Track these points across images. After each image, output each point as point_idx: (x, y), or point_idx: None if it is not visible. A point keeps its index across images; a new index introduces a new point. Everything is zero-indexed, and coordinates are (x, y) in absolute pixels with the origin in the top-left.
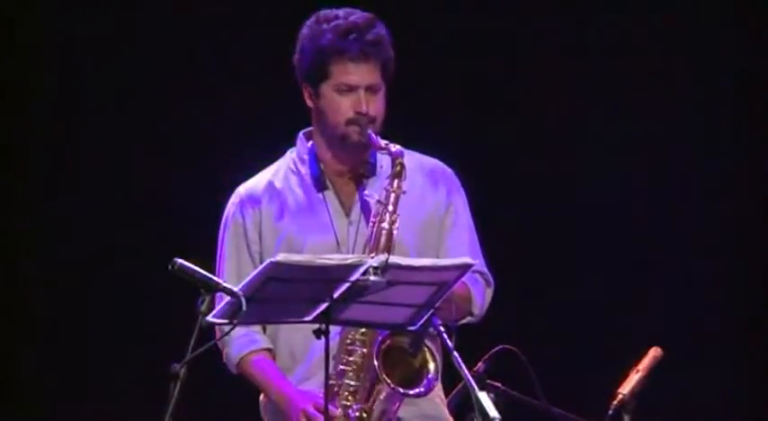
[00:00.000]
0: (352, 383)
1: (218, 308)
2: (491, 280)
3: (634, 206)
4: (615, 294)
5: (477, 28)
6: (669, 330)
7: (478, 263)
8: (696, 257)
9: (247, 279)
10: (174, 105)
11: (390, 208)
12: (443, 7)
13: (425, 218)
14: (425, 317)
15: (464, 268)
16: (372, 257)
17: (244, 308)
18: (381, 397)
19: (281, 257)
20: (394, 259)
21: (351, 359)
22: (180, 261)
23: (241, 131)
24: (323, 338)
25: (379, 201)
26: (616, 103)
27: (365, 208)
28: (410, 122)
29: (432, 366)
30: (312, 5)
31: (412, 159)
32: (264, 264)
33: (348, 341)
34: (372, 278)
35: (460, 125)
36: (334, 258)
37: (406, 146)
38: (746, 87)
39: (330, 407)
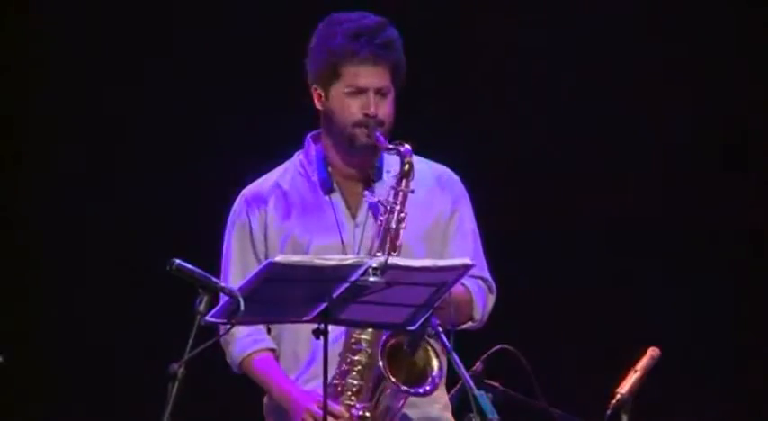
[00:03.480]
0: (356, 383)
1: (216, 307)
2: (494, 287)
3: (633, 206)
4: (614, 294)
5: (485, 30)
6: (668, 330)
7: (482, 268)
8: (696, 257)
9: (246, 279)
10: (179, 105)
11: (398, 207)
12: (457, 11)
13: (431, 224)
14: (424, 318)
15: (463, 269)
16: (373, 257)
17: (242, 308)
18: (385, 395)
19: (279, 258)
20: (393, 260)
21: (355, 359)
22: (178, 261)
23: (248, 132)
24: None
25: (384, 201)
26: (617, 104)
27: (371, 211)
28: (416, 127)
29: (435, 364)
30: (326, 8)
31: (421, 165)
32: (263, 265)
33: (353, 341)
34: (372, 278)
35: (461, 127)
36: (333, 259)
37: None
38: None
39: (333, 405)
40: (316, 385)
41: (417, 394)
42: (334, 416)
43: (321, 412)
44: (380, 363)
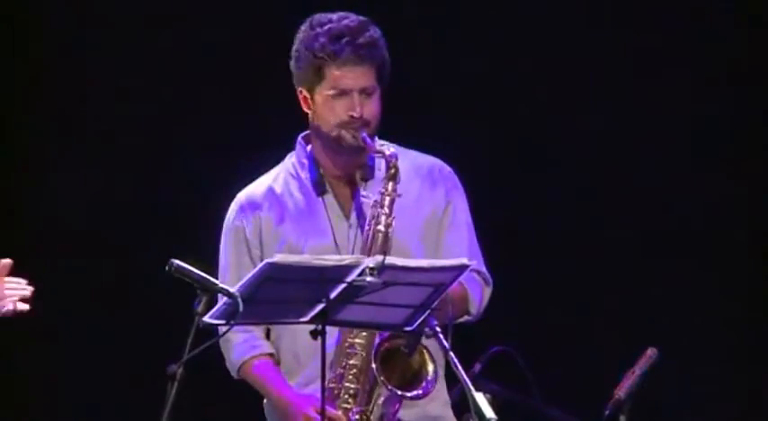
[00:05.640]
0: (352, 386)
1: (215, 308)
2: (489, 279)
3: (631, 206)
4: (611, 294)
5: (474, 31)
6: (666, 330)
7: (477, 262)
8: (694, 257)
9: (244, 280)
10: (175, 108)
11: (386, 211)
12: (435, 10)
13: (426, 219)
14: (422, 318)
15: (461, 269)
16: (369, 258)
17: (241, 308)
18: (381, 399)
19: (277, 258)
20: (390, 260)
21: (350, 362)
22: (176, 262)
23: (243, 134)
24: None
25: (374, 203)
26: (615, 104)
27: (364, 211)
28: (407, 124)
29: (430, 368)
30: (309, 10)
31: (409, 160)
32: (261, 265)
33: (347, 344)
34: (369, 279)
35: (457, 124)
36: (330, 259)
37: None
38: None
39: (331, 409)
40: (315, 388)
41: (410, 397)
42: (331, 419)
43: (318, 416)
44: (373, 366)
